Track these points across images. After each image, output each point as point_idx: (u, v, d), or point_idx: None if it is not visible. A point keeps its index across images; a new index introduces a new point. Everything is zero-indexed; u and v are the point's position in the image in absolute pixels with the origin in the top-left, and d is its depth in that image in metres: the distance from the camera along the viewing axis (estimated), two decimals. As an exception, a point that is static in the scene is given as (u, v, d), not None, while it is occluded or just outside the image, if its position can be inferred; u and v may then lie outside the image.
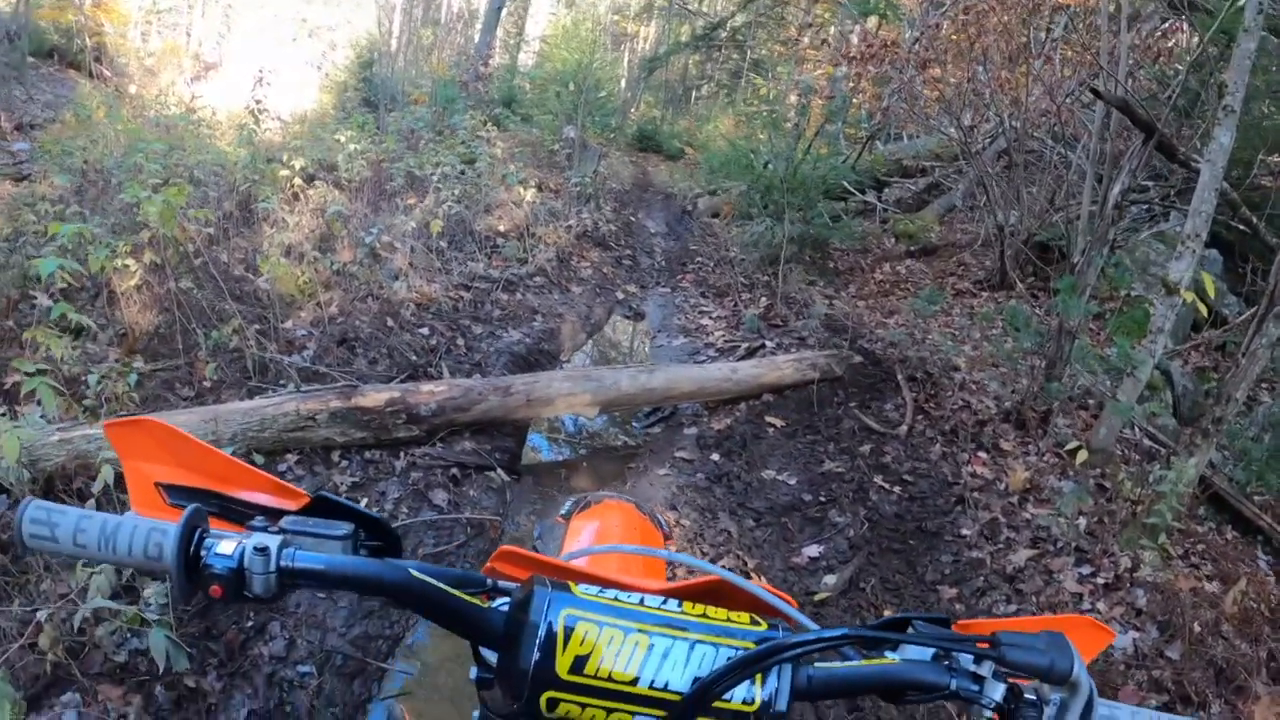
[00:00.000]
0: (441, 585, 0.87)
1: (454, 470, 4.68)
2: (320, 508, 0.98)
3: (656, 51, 24.88)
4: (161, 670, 2.79)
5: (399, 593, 0.86)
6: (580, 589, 0.87)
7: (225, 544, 0.83)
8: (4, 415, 3.25)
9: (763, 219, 9.12)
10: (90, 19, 14.65)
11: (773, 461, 5.21)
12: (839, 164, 10.37)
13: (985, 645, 0.86)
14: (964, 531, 4.40)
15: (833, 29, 15.22)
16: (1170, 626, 3.51)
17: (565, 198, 10.62)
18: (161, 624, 2.84)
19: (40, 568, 2.99)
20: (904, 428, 5.46)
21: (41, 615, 2.76)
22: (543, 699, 0.82)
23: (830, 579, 4.11)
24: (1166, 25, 8.35)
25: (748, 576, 1.07)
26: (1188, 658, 3.35)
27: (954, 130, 9.03)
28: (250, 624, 3.26)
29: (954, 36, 8.84)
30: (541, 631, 0.82)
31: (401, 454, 4.63)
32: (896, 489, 4.88)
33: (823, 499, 4.83)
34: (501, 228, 8.74)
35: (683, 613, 0.87)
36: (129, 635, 2.89)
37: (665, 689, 0.82)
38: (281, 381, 4.76)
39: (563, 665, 0.81)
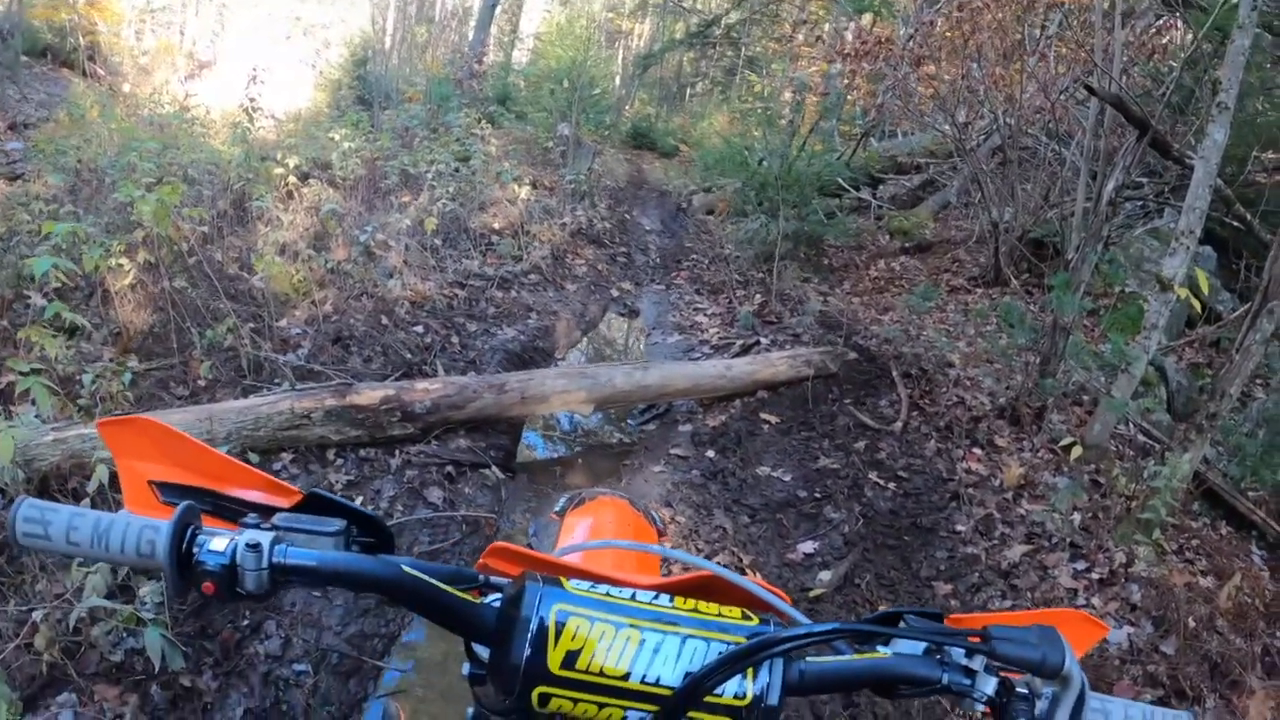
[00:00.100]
0: (433, 581, 0.87)
1: (449, 468, 4.68)
2: (313, 505, 0.98)
3: (651, 49, 24.93)
4: (157, 669, 2.79)
5: (391, 589, 0.86)
6: (572, 584, 0.87)
7: (217, 541, 0.83)
8: (-2, 415, 3.25)
9: (757, 216, 9.13)
10: (84, 18, 14.59)
11: (768, 458, 5.22)
12: (834, 161, 10.38)
13: (977, 639, 0.86)
14: (959, 527, 4.40)
15: (827, 26, 15.20)
16: (1165, 621, 3.52)
17: (560, 195, 10.62)
18: (157, 623, 2.84)
19: (36, 568, 2.99)
20: (899, 424, 5.46)
21: (37, 615, 2.76)
22: (534, 694, 0.82)
23: (825, 575, 4.12)
24: (1161, 22, 8.34)
25: (743, 573, 1.07)
26: (1182, 653, 3.35)
27: (948, 127, 9.04)
28: (246, 623, 3.26)
29: (948, 33, 8.83)
30: (533, 627, 0.82)
31: (396, 452, 4.62)
32: (891, 485, 4.88)
33: (818, 495, 4.83)
34: (496, 225, 8.74)
35: (674, 608, 0.87)
36: (125, 635, 2.89)
37: (657, 684, 0.82)
38: (276, 380, 4.76)
39: (554, 660, 0.81)
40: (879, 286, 9.06)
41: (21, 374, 3.46)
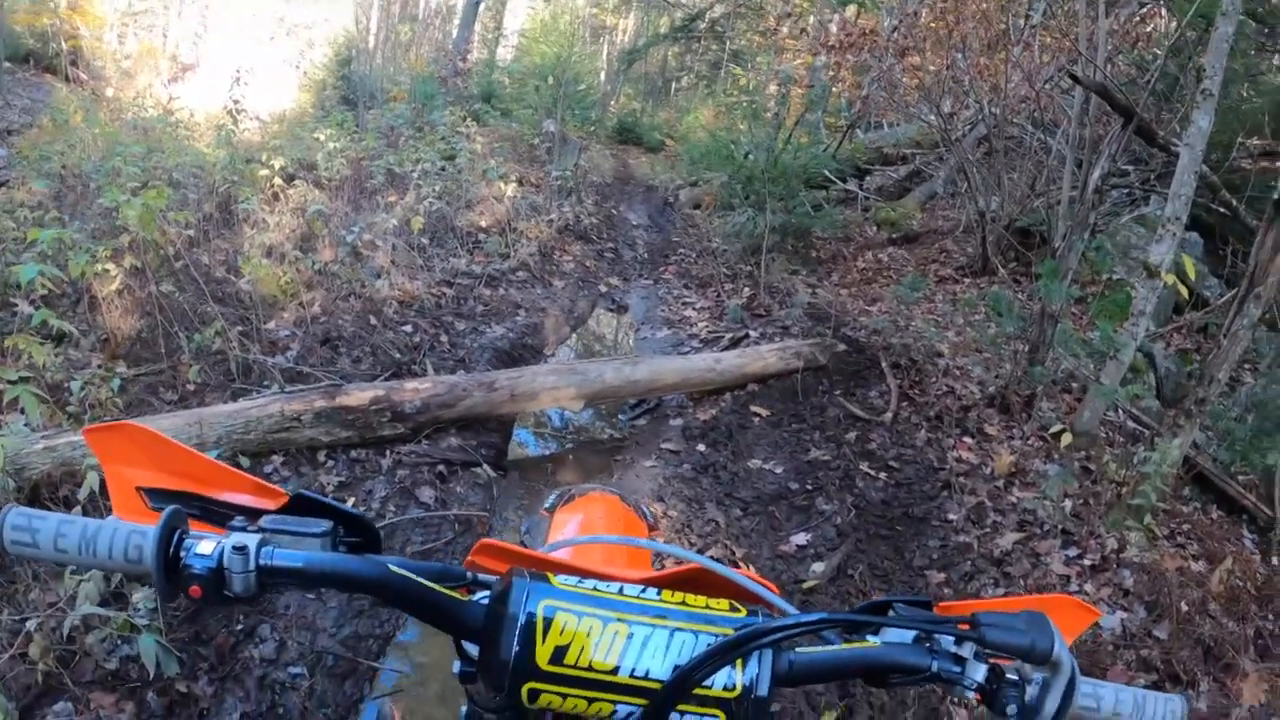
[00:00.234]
0: (420, 580, 0.87)
1: (440, 467, 4.67)
2: (299, 506, 0.98)
3: (636, 44, 24.94)
4: (152, 676, 2.79)
5: (377, 588, 0.86)
6: (559, 580, 0.87)
7: (204, 544, 0.83)
8: (-13, 423, 3.24)
9: (744, 209, 9.13)
10: (66, 22, 14.55)
11: (759, 451, 5.22)
12: (820, 153, 10.38)
13: (965, 626, 0.87)
14: (950, 516, 4.41)
15: (812, 18, 15.19)
16: (1157, 606, 3.53)
17: (546, 192, 10.60)
18: (151, 629, 2.83)
19: (29, 577, 2.98)
20: (889, 414, 5.47)
21: (31, 625, 2.75)
22: (524, 690, 0.82)
23: (818, 566, 4.12)
24: (1145, 10, 8.38)
25: (736, 566, 1.07)
26: (1176, 637, 3.37)
27: (934, 117, 9.04)
28: (240, 627, 3.25)
29: (932, 24, 8.85)
30: (520, 623, 0.82)
31: (387, 452, 4.62)
32: (883, 475, 4.89)
33: (809, 487, 4.84)
34: (483, 223, 8.72)
35: (661, 601, 0.87)
36: (119, 642, 2.89)
37: (646, 677, 0.82)
38: (265, 383, 4.75)
39: (542, 656, 0.82)
40: (867, 278, 9.07)
41: (10, 382, 3.45)
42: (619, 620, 0.84)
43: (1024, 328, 5.53)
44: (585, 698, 0.83)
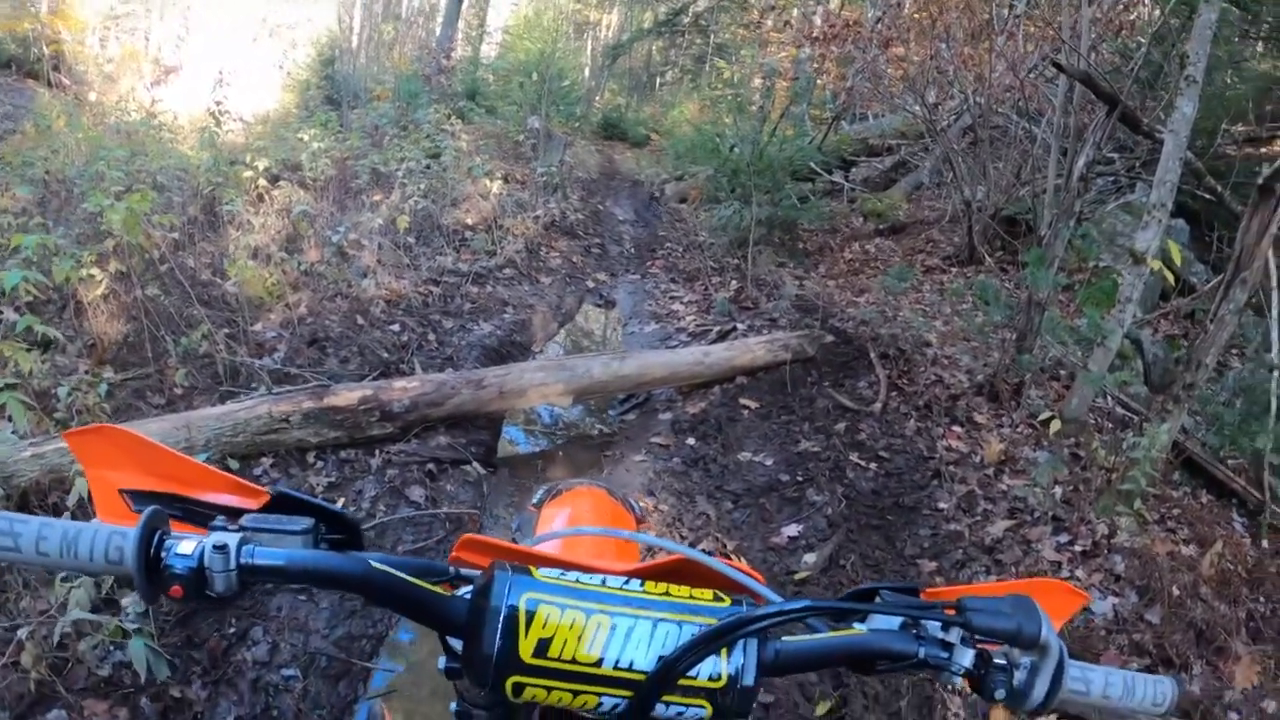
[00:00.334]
0: (403, 575, 0.86)
1: (430, 466, 4.66)
2: (281, 504, 0.98)
3: (619, 39, 24.92)
4: (144, 681, 2.78)
5: (359, 585, 0.85)
6: (541, 572, 0.86)
7: (185, 544, 0.83)
8: (-27, 431, 3.22)
9: (730, 202, 9.12)
10: (47, 27, 14.45)
11: (748, 443, 5.23)
12: (805, 145, 10.39)
13: (951, 612, 0.86)
14: (941, 505, 4.42)
15: (795, 11, 15.20)
16: (1149, 590, 3.54)
17: (532, 188, 10.58)
18: (141, 634, 2.82)
19: (20, 585, 2.96)
20: (878, 405, 5.48)
21: (22, 633, 2.73)
22: (508, 684, 0.82)
23: (810, 557, 4.13)
24: (1127, -2, 8.40)
25: (727, 558, 1.07)
26: (1168, 621, 3.38)
27: (919, 108, 9.07)
28: (233, 630, 3.24)
29: (916, 15, 8.87)
30: (503, 616, 0.82)
31: (377, 452, 4.61)
32: (873, 466, 4.90)
33: (800, 478, 4.84)
34: (469, 221, 8.70)
35: (644, 592, 0.87)
36: (111, 648, 2.87)
37: (630, 668, 0.82)
38: (253, 385, 4.73)
39: (525, 649, 0.81)
40: (854, 269, 9.09)
41: (-4, 389, 3.44)
42: (602, 612, 0.83)
43: (1011, 316, 5.55)
44: (570, 690, 0.82)
